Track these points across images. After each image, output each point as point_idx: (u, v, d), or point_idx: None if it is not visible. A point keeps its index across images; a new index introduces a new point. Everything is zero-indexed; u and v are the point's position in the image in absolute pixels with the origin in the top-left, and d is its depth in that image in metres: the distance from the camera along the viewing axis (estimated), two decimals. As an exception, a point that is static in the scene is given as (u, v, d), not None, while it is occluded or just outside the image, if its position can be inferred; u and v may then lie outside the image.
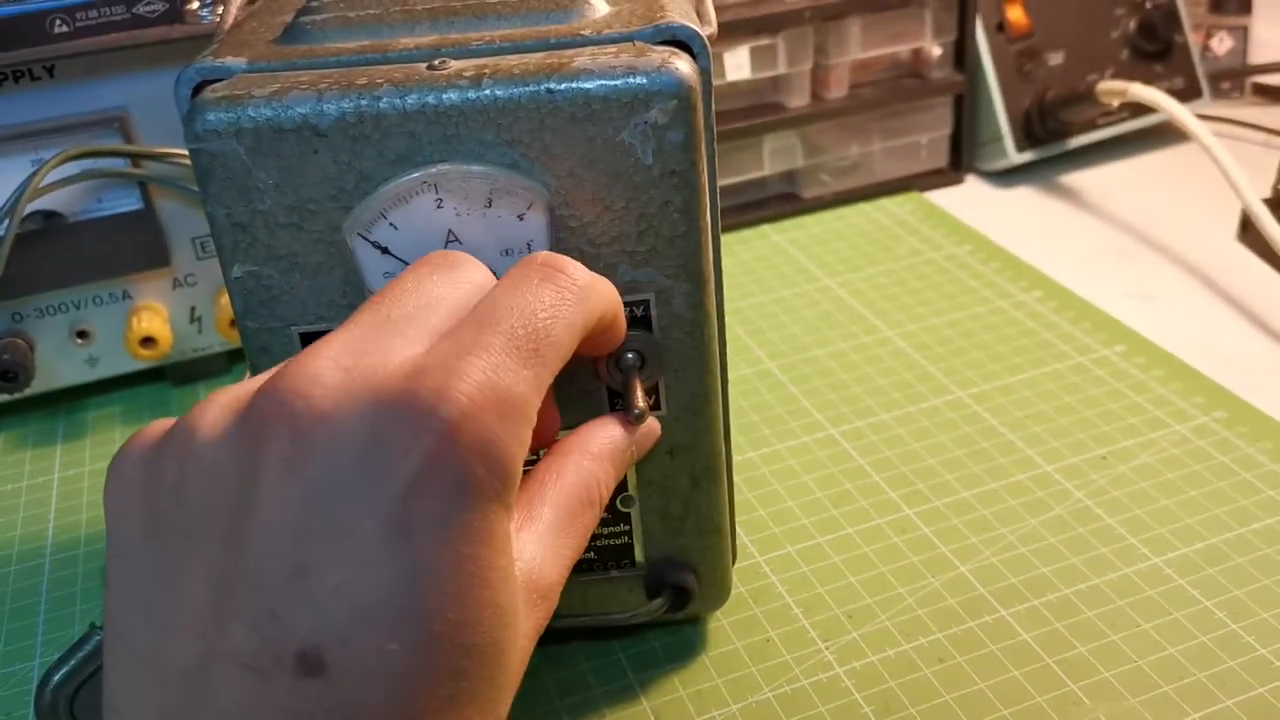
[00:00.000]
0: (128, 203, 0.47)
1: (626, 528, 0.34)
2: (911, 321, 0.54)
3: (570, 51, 0.29)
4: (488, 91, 0.28)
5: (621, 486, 0.33)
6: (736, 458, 0.44)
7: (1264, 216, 0.54)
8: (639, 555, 0.35)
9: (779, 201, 0.64)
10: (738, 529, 0.40)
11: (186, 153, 0.46)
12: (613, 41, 0.29)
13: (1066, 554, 0.39)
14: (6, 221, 0.44)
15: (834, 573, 0.39)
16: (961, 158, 0.66)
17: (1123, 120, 0.67)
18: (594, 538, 0.34)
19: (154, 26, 0.45)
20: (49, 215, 0.46)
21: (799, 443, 0.46)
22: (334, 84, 0.28)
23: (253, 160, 0.28)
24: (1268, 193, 0.55)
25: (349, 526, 0.22)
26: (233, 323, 0.50)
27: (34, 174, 0.44)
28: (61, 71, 0.45)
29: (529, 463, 0.26)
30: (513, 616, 0.24)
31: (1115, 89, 0.61)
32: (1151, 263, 0.58)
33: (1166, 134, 0.69)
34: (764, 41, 0.60)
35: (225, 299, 0.50)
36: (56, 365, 0.50)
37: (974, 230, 0.61)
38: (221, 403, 0.25)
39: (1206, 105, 0.69)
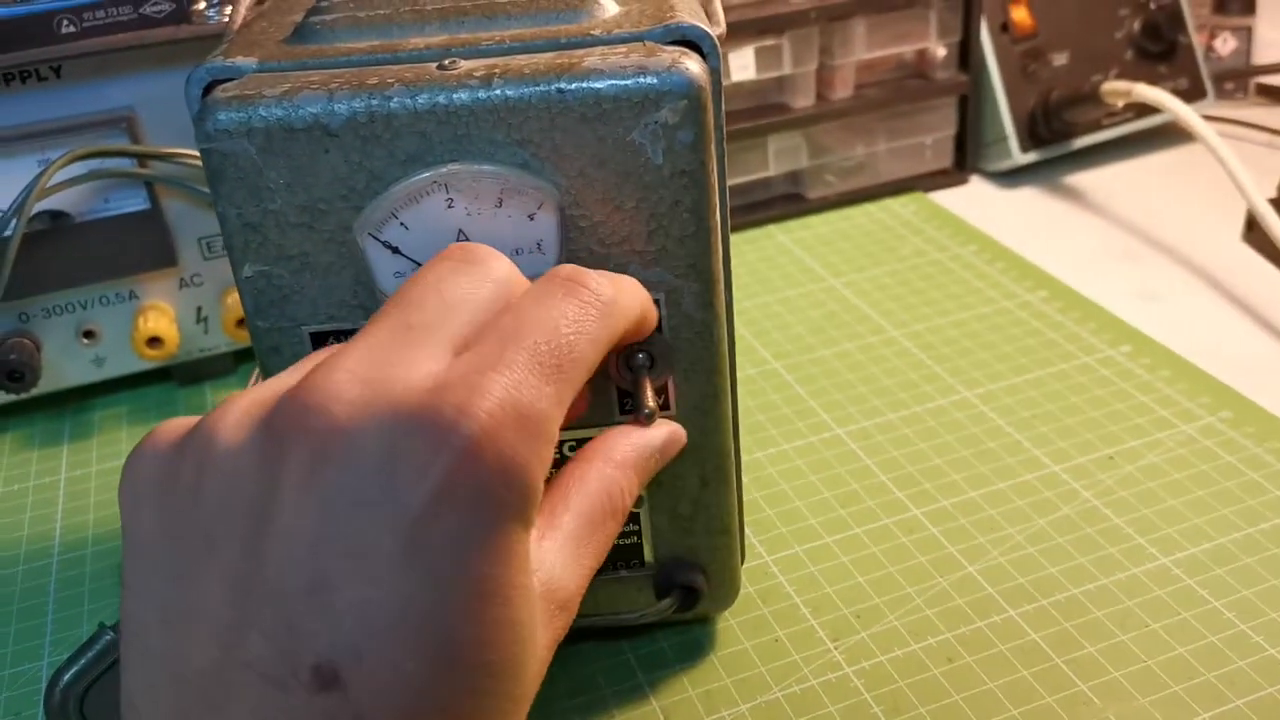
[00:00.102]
0: (134, 203, 0.47)
1: (636, 528, 0.34)
2: (917, 322, 0.54)
3: (580, 51, 0.29)
4: (498, 91, 0.28)
5: (630, 486, 0.33)
6: (743, 458, 0.44)
7: (1269, 217, 0.54)
8: (648, 555, 0.35)
9: (784, 202, 0.64)
10: (746, 529, 0.40)
11: (193, 153, 0.46)
12: (623, 41, 0.29)
13: (1075, 554, 0.39)
14: (14, 222, 0.44)
15: (842, 573, 0.39)
16: (966, 158, 0.66)
17: (1127, 121, 0.67)
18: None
19: (161, 27, 0.45)
20: (56, 215, 0.46)
21: (805, 443, 0.46)
22: (345, 84, 0.28)
23: (264, 160, 0.28)
24: (1273, 193, 0.55)
25: (367, 542, 0.22)
26: (239, 323, 0.50)
27: (41, 174, 0.44)
28: (68, 71, 0.45)
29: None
30: (530, 632, 0.24)
31: (1120, 89, 0.61)
32: (1156, 263, 0.58)
33: (1170, 134, 0.69)
34: (769, 42, 0.60)
35: (231, 299, 0.50)
36: (63, 365, 0.50)
37: (979, 230, 0.61)
38: (242, 407, 0.24)
39: (1210, 106, 0.69)
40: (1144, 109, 0.66)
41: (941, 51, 0.64)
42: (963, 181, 0.67)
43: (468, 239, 0.29)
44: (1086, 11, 0.66)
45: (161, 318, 0.49)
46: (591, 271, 0.27)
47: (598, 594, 0.35)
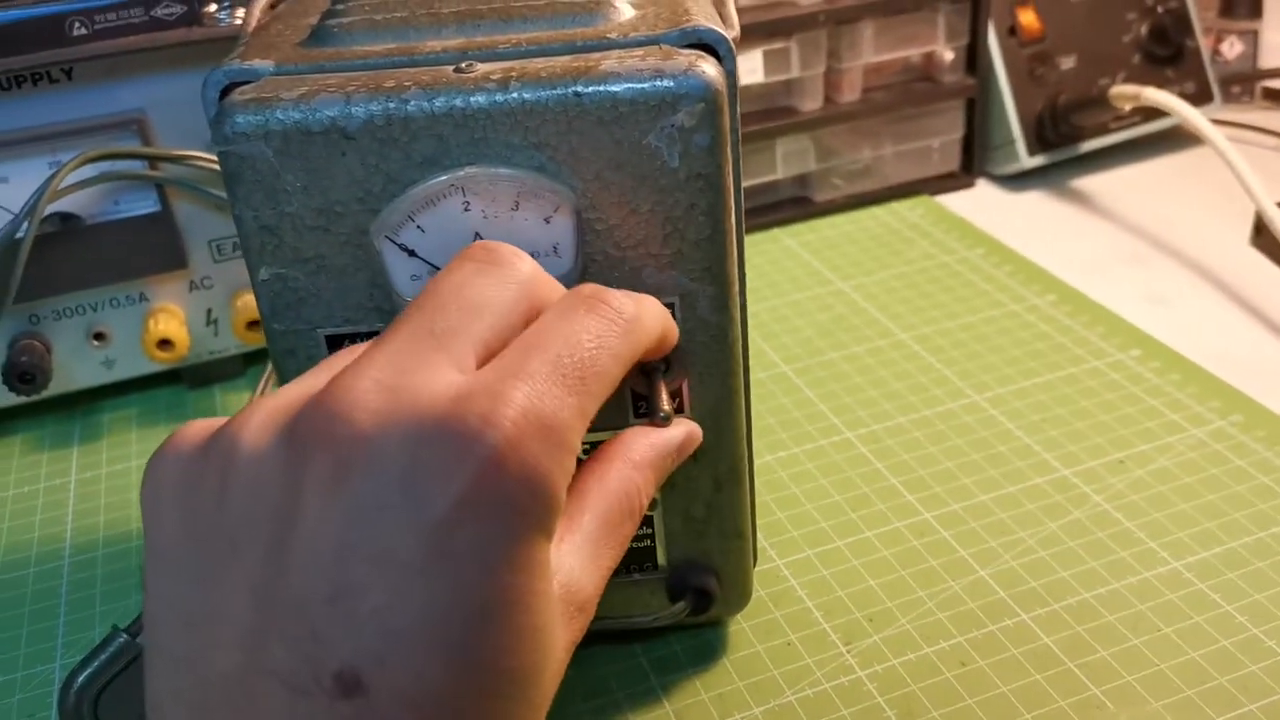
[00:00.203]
0: (145, 205, 0.47)
1: (649, 530, 0.34)
2: (925, 325, 0.54)
3: (597, 55, 0.29)
4: (515, 94, 0.28)
5: (644, 489, 0.33)
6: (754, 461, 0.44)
7: (1278, 221, 0.54)
8: (661, 558, 0.35)
9: (791, 205, 0.64)
10: (757, 532, 0.40)
11: (204, 155, 0.46)
12: (639, 45, 0.29)
13: (1086, 558, 0.39)
14: (25, 224, 0.44)
15: (853, 576, 0.39)
16: (973, 161, 0.66)
17: (1134, 125, 0.67)
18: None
19: (172, 29, 0.45)
20: (66, 217, 0.46)
21: (815, 446, 0.46)
22: (362, 87, 0.28)
23: (281, 163, 0.28)
24: (1282, 197, 0.55)
25: (390, 550, 0.22)
26: (249, 325, 0.50)
27: (53, 176, 0.44)
28: (80, 74, 0.45)
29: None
30: (550, 638, 0.24)
31: (1129, 93, 0.61)
32: (1164, 267, 0.58)
33: (1177, 138, 0.69)
34: (777, 45, 0.60)
35: (241, 302, 0.50)
36: (73, 367, 0.50)
37: (986, 234, 0.61)
38: (265, 413, 0.24)
39: (1217, 110, 0.69)
40: (1151, 113, 0.66)
41: (949, 55, 0.64)
42: (970, 185, 0.67)
43: (484, 242, 0.29)
44: (1094, 15, 0.66)
45: (172, 320, 0.49)
46: (614, 290, 0.27)
47: (611, 597, 0.35)
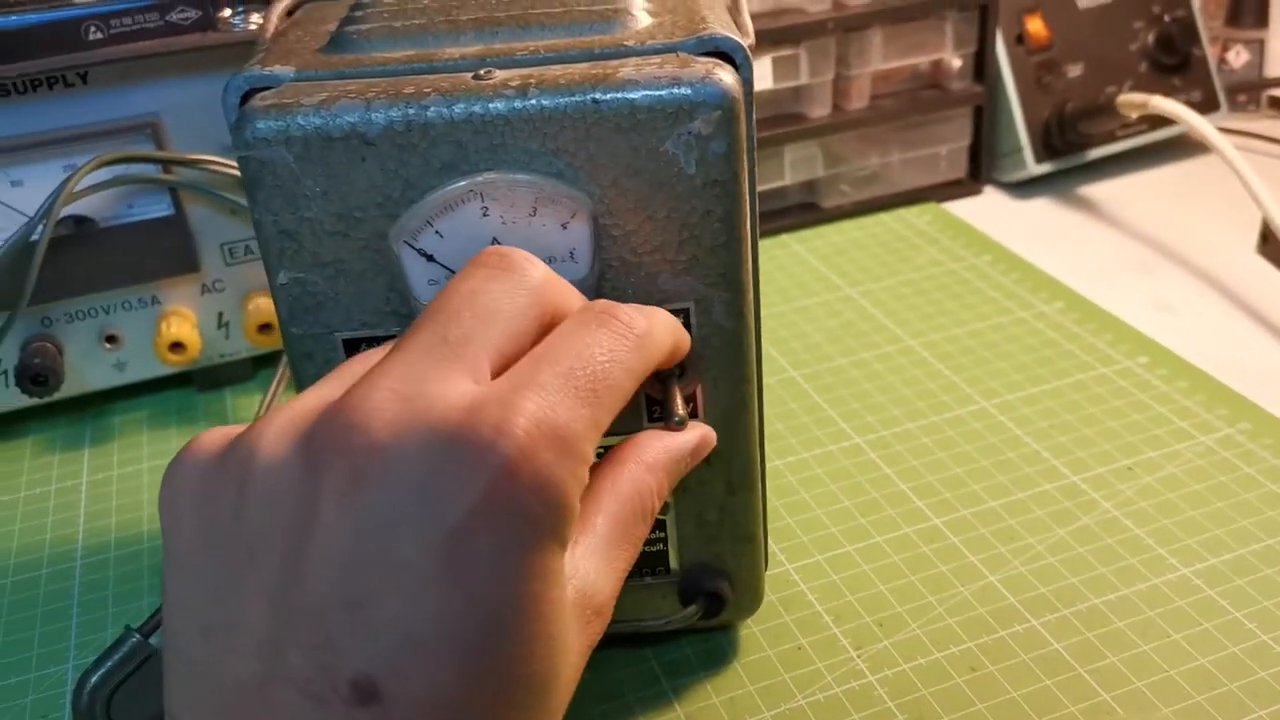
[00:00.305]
0: (159, 208, 0.48)
1: (662, 534, 0.34)
2: (934, 331, 0.54)
3: (615, 62, 0.29)
4: (534, 101, 0.28)
5: (658, 494, 0.34)
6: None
7: (1285, 229, 0.54)
8: (673, 562, 0.35)
9: (799, 211, 0.65)
10: (768, 536, 0.40)
11: (218, 159, 0.46)
12: (656, 52, 0.29)
13: (1095, 564, 0.39)
14: (40, 226, 0.44)
15: (863, 581, 0.40)
16: (980, 169, 0.67)
17: (1141, 133, 0.67)
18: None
19: (187, 34, 0.45)
20: (80, 220, 0.47)
21: (824, 451, 0.46)
22: (382, 93, 0.28)
23: (301, 168, 0.28)
24: (1289, 205, 0.55)
25: (404, 559, 0.23)
26: (261, 328, 0.50)
27: (68, 179, 0.44)
28: (95, 78, 0.45)
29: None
30: (564, 645, 0.24)
31: (1136, 101, 0.62)
32: (1171, 275, 0.58)
33: (1183, 147, 0.69)
34: (786, 52, 0.60)
35: (253, 305, 0.50)
36: (85, 369, 0.50)
37: (994, 241, 0.61)
38: (282, 423, 0.25)
39: (1223, 118, 0.69)
40: (1157, 121, 0.66)
41: (957, 62, 0.64)
42: (977, 192, 0.67)
43: (501, 247, 0.29)
44: (1101, 24, 0.66)
45: (184, 323, 0.49)
46: (625, 305, 0.27)
47: (624, 601, 0.35)
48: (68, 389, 0.49)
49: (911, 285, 0.58)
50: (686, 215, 0.29)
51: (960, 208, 0.66)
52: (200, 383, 0.53)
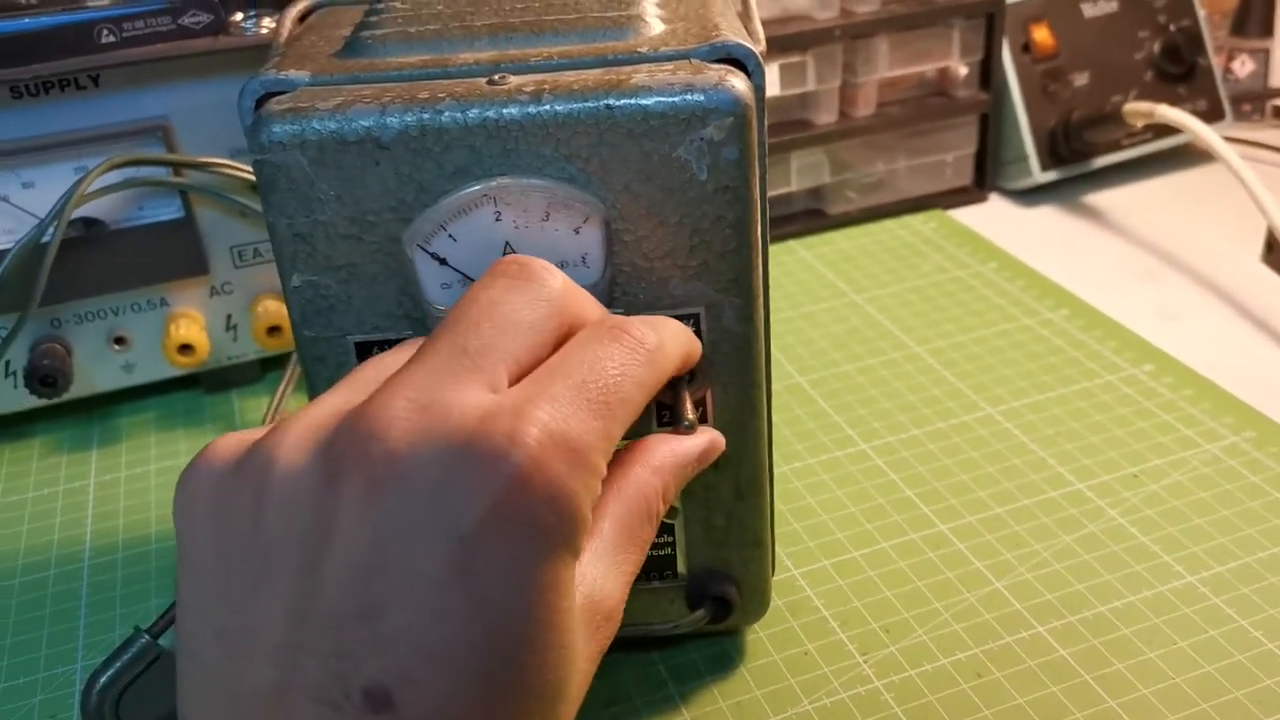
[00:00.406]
0: (168, 211, 0.48)
1: (670, 539, 0.35)
2: (939, 338, 0.54)
3: (628, 68, 0.29)
4: (547, 107, 0.28)
5: (666, 498, 0.34)
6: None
7: (1291, 238, 0.54)
8: (681, 566, 0.35)
9: (805, 217, 0.65)
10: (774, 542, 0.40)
11: (228, 162, 0.47)
12: (670, 59, 0.30)
13: (1101, 571, 0.40)
14: (52, 228, 0.44)
15: (869, 587, 0.40)
16: (986, 176, 0.67)
17: (1146, 141, 0.67)
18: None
19: (199, 38, 0.45)
20: (91, 222, 0.47)
21: (830, 457, 0.46)
22: (397, 98, 0.28)
23: (316, 172, 0.28)
24: (1294, 215, 0.55)
25: (417, 568, 0.23)
26: (269, 331, 0.51)
27: (79, 181, 0.44)
28: (106, 81, 0.46)
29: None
30: (574, 654, 0.25)
31: (1142, 110, 0.62)
32: (1176, 283, 0.58)
33: (1188, 155, 0.70)
34: (793, 59, 0.60)
35: (261, 307, 0.51)
36: (93, 371, 0.50)
37: (999, 248, 0.62)
38: (300, 431, 0.25)
39: (1228, 127, 0.69)
40: (1163, 129, 0.66)
41: (963, 70, 0.64)
42: (982, 199, 0.67)
43: (514, 252, 0.29)
44: (1107, 33, 0.66)
45: (192, 325, 0.50)
46: (636, 320, 0.27)
47: (631, 604, 0.35)
48: (76, 390, 0.49)
49: (917, 292, 0.58)
50: (698, 221, 0.30)
51: (966, 215, 0.66)
52: (208, 385, 0.53)
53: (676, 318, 0.30)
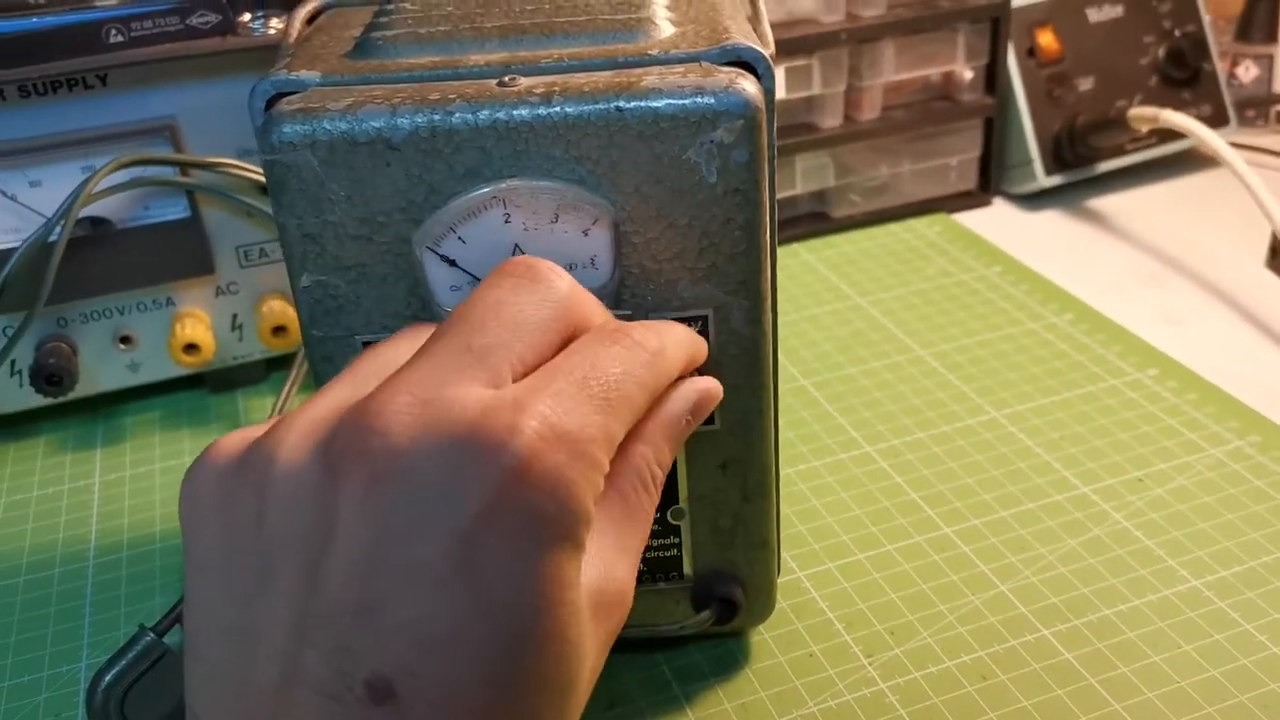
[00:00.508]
0: (175, 211, 0.48)
1: (676, 540, 0.35)
2: (944, 341, 0.54)
3: (639, 71, 0.29)
4: (558, 108, 0.28)
5: (672, 499, 0.34)
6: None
7: (1295, 244, 0.54)
8: (687, 568, 0.35)
9: (810, 220, 0.65)
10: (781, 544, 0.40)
11: (235, 162, 0.47)
12: (680, 61, 0.30)
13: (1106, 575, 0.40)
14: (59, 227, 0.44)
15: (874, 589, 0.40)
16: (990, 180, 0.67)
17: (1151, 146, 0.67)
18: (644, 549, 0.34)
19: (207, 38, 0.45)
20: (97, 222, 0.47)
21: (835, 460, 0.46)
22: (407, 98, 0.28)
23: (326, 172, 0.29)
24: (1298, 220, 0.55)
25: (418, 561, 0.23)
26: (274, 331, 0.51)
27: (87, 180, 0.44)
28: (114, 80, 0.46)
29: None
30: (579, 647, 0.24)
31: (1147, 115, 0.62)
32: (1181, 287, 0.58)
33: (1192, 160, 0.70)
34: (799, 62, 0.60)
35: (266, 307, 0.51)
36: (98, 370, 0.50)
37: (1003, 252, 0.62)
38: (302, 428, 0.25)
39: (1233, 133, 0.69)
40: (1167, 134, 0.66)
41: (968, 74, 0.64)
42: (987, 203, 0.67)
43: (523, 254, 0.29)
44: (1112, 38, 0.66)
45: (198, 325, 0.50)
46: (637, 325, 0.27)
47: (637, 605, 0.35)
48: (81, 389, 0.50)
49: (921, 295, 0.58)
50: (707, 223, 0.30)
51: (970, 219, 0.66)
52: (213, 384, 0.53)
53: (684, 320, 0.30)
